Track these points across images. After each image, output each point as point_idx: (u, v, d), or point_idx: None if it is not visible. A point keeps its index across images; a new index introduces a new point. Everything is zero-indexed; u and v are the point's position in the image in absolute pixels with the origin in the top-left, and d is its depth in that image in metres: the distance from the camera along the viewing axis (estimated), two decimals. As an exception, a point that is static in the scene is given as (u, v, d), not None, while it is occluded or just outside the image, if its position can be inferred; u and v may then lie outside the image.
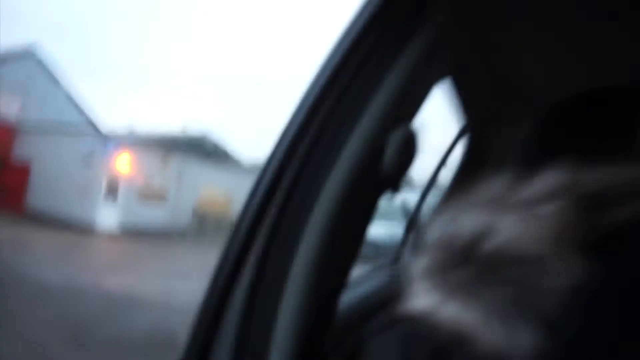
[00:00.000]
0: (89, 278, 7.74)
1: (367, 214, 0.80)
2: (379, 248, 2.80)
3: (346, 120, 0.74)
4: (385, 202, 0.83)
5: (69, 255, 10.35)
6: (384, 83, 0.74)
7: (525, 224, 0.36)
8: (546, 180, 0.38)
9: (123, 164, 15.12)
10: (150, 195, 15.95)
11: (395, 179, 0.75)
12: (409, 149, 0.75)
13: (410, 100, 0.79)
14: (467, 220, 0.38)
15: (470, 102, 1.28)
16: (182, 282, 7.12)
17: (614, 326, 0.32)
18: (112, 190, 15.10)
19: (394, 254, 1.81)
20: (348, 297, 1.17)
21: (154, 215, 15.70)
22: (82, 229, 13.41)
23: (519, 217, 0.37)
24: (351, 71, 0.73)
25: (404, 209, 1.79)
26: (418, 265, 0.40)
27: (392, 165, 0.72)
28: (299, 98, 0.75)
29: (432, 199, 1.75)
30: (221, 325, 0.71)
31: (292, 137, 0.73)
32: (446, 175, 1.65)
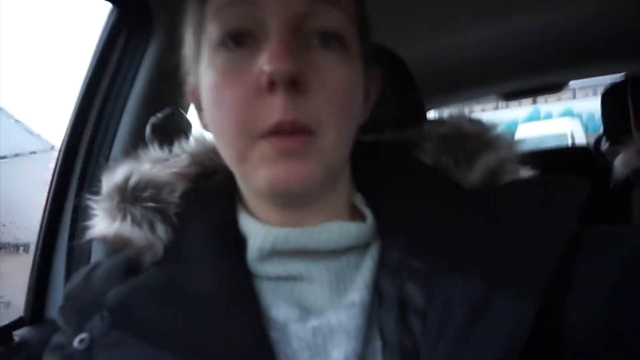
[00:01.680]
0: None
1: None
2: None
3: (116, 111, 0.97)
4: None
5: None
6: (137, 80, 0.97)
7: (158, 168, 0.60)
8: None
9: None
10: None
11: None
12: (169, 127, 0.99)
13: (163, 90, 1.01)
14: (122, 168, 0.58)
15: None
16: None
17: None
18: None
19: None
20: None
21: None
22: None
23: (153, 165, 0.60)
24: (109, 74, 0.96)
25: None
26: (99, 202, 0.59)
27: (151, 141, 0.96)
28: (76, 98, 0.97)
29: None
30: (50, 279, 0.96)
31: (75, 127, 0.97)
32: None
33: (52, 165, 0.93)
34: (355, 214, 0.53)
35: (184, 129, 1.02)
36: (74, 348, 0.47)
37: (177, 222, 0.54)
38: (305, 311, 0.47)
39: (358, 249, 0.50)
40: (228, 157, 0.48)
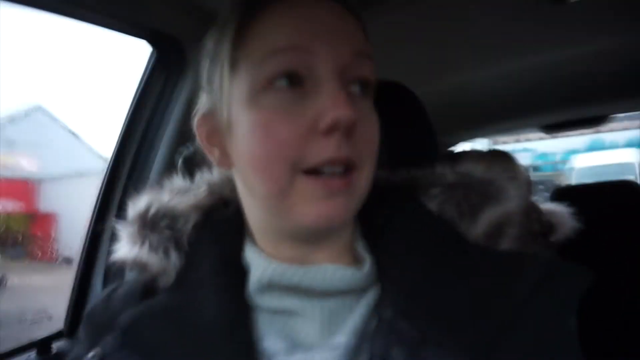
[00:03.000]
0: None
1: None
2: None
3: (153, 142, 1.07)
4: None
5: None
6: (172, 115, 1.06)
7: (176, 199, 0.63)
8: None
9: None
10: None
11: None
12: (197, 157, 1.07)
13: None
14: (143, 198, 0.63)
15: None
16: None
17: None
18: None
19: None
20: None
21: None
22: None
23: (173, 196, 0.64)
24: (149, 109, 1.06)
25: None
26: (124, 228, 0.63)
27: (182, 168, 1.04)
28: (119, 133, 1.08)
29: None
30: (88, 295, 1.05)
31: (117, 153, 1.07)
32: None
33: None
34: (358, 258, 0.55)
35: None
36: None
37: (188, 250, 0.58)
38: (294, 345, 0.50)
39: (355, 292, 0.51)
40: (266, 191, 0.49)
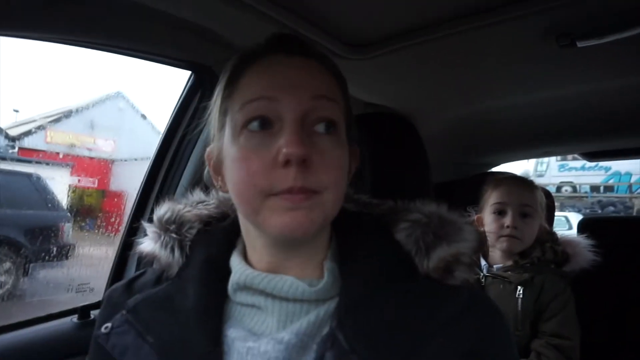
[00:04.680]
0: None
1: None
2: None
3: (186, 156, 1.25)
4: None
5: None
6: (203, 133, 1.23)
7: (187, 209, 0.78)
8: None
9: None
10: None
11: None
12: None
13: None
14: (164, 206, 0.80)
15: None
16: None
17: None
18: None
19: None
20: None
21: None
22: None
23: (185, 206, 0.80)
24: (184, 126, 1.25)
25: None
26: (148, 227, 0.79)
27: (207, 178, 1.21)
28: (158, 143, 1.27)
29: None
30: (125, 272, 1.25)
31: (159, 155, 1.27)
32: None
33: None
34: (323, 275, 0.64)
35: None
36: (100, 332, 0.68)
37: (188, 252, 0.72)
38: (250, 334, 0.62)
39: (312, 301, 0.62)
40: (244, 210, 0.62)
